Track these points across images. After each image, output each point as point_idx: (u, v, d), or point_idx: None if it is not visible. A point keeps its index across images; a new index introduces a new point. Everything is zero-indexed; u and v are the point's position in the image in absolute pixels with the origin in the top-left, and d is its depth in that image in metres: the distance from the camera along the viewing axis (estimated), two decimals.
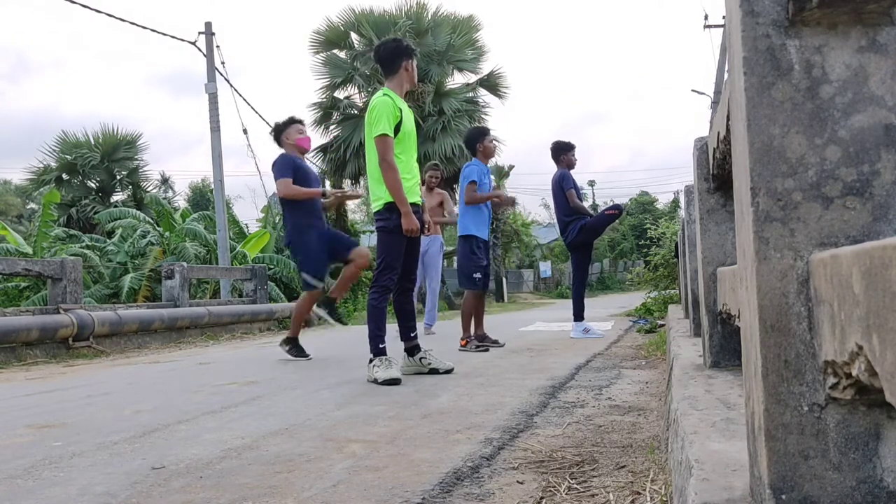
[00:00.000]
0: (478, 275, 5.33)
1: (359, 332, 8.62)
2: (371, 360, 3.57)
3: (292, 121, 5.17)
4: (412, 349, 3.86)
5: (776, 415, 0.77)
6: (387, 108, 3.62)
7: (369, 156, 3.73)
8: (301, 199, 4.85)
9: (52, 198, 11.61)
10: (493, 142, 5.58)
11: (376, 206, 3.74)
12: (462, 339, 5.31)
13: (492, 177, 5.64)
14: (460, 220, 5.44)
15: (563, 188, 6.00)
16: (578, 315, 6.11)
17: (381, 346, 3.59)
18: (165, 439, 2.27)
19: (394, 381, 3.41)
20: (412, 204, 3.72)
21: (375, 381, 3.44)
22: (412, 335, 3.88)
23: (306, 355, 5.01)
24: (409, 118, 3.78)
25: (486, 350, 5.16)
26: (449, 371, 3.81)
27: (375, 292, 3.71)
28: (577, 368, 3.91)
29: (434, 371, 3.79)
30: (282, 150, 5.09)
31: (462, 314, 5.43)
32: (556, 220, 6.35)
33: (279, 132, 5.12)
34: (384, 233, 3.71)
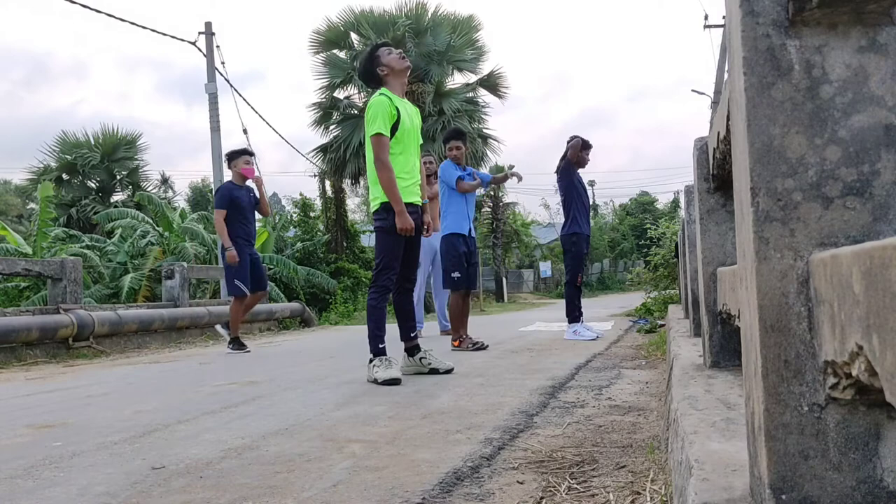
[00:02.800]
0: (456, 273, 5.31)
1: (358, 332, 8.62)
2: (371, 361, 3.57)
3: (244, 152, 6.35)
4: (412, 349, 3.86)
5: (776, 415, 0.77)
6: (382, 107, 3.62)
7: (368, 155, 3.74)
8: (237, 224, 6.07)
9: (47, 191, 11.58)
10: (457, 149, 5.59)
11: (374, 205, 3.74)
12: (454, 339, 5.29)
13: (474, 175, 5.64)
14: (442, 220, 5.48)
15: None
16: (572, 316, 6.12)
17: (380, 346, 3.59)
18: (165, 439, 2.27)
19: (394, 381, 3.41)
20: (411, 204, 3.71)
21: (375, 382, 3.44)
22: (412, 335, 3.88)
23: (245, 348, 6.11)
24: (409, 118, 3.76)
25: (485, 348, 5.13)
26: (449, 371, 3.81)
27: (374, 292, 3.71)
28: (577, 368, 3.91)
29: (434, 371, 3.79)
30: (229, 177, 6.35)
31: (450, 315, 5.41)
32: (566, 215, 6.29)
33: (230, 160, 6.30)
34: (382, 233, 3.70)
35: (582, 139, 6.11)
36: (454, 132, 5.91)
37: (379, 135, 3.59)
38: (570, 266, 6.13)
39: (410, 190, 3.74)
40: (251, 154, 6.37)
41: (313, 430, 2.34)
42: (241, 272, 6.03)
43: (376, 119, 3.60)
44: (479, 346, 5.17)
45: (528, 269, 35.21)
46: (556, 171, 6.09)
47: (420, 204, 3.84)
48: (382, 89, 3.74)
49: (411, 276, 3.89)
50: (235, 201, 6.08)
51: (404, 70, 3.80)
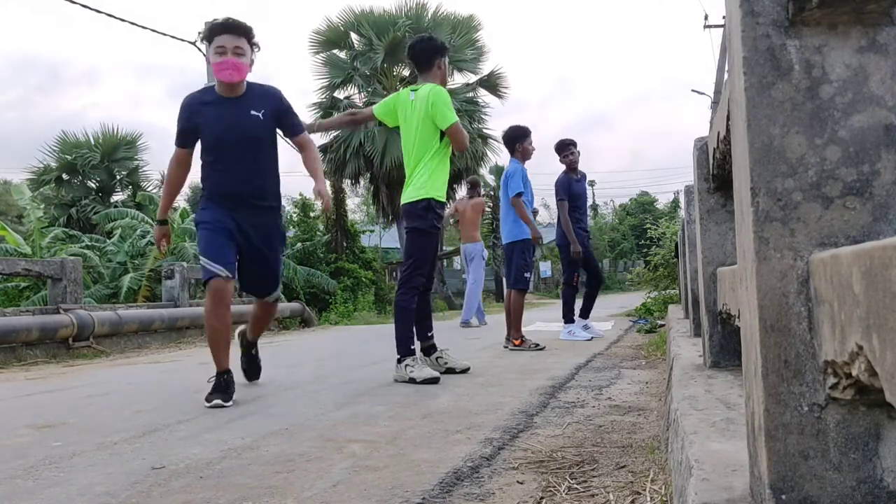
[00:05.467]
0: (528, 274, 5.40)
1: (358, 332, 8.61)
2: (400, 360, 3.56)
3: (222, 27, 3.12)
4: (428, 349, 3.87)
5: (776, 415, 0.77)
6: (448, 97, 3.69)
7: (414, 147, 3.70)
8: (211, 162, 3.22)
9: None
10: (532, 145, 5.51)
11: (413, 199, 3.65)
12: (516, 338, 5.23)
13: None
14: (511, 224, 5.37)
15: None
16: (568, 317, 6.13)
17: (411, 346, 3.60)
18: (165, 439, 2.27)
19: (433, 380, 3.41)
20: (444, 203, 3.75)
21: (412, 381, 3.42)
22: (429, 334, 3.89)
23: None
24: None
25: (543, 349, 5.09)
26: (465, 370, 3.80)
27: (404, 293, 3.69)
28: (577, 368, 3.91)
29: (451, 371, 3.78)
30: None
31: (512, 314, 5.30)
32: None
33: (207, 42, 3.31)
34: (417, 233, 3.68)
35: (561, 141, 6.14)
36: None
37: (459, 122, 3.64)
38: (566, 267, 6.15)
39: (444, 189, 3.77)
40: (237, 30, 3.10)
41: (313, 430, 2.34)
42: (205, 244, 3.15)
43: (451, 106, 3.65)
44: (541, 347, 5.14)
45: None
46: (556, 184, 6.10)
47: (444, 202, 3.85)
48: (431, 84, 3.77)
49: (431, 276, 3.90)
50: (200, 123, 3.18)
51: (444, 83, 3.89)
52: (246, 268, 3.31)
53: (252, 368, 3.69)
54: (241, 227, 3.20)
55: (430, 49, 3.82)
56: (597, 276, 6.36)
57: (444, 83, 3.87)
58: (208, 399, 2.98)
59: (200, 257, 3.16)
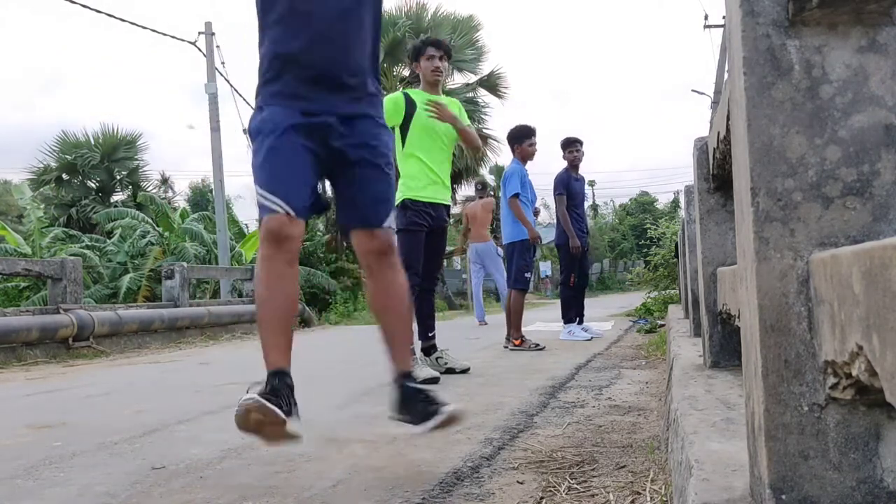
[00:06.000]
0: (528, 274, 5.41)
1: (358, 332, 8.61)
2: None
3: None
4: (429, 349, 3.87)
5: (776, 415, 0.77)
6: (386, 101, 3.74)
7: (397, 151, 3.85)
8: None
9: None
10: (534, 146, 5.44)
11: (396, 203, 3.80)
12: (516, 338, 5.22)
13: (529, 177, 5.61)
14: (511, 225, 5.39)
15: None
16: (567, 317, 6.13)
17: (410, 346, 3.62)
18: (165, 439, 2.27)
19: (433, 380, 3.43)
20: (435, 204, 3.77)
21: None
22: (430, 335, 3.89)
23: None
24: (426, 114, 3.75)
25: (543, 349, 5.08)
26: (465, 370, 3.81)
27: None
28: (577, 368, 3.91)
29: (451, 371, 3.79)
30: None
31: (511, 314, 5.31)
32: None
33: None
34: (399, 234, 3.75)
35: (567, 138, 6.12)
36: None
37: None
38: (564, 267, 6.15)
39: (428, 188, 3.76)
40: None
41: (313, 430, 2.34)
42: (264, 170, 2.00)
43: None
44: (541, 347, 5.13)
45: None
46: (555, 181, 6.09)
47: (441, 204, 3.85)
48: (407, 89, 3.89)
49: (433, 276, 3.90)
50: None
51: (430, 78, 3.89)
52: (338, 188, 2.14)
53: (414, 403, 2.01)
54: (324, 124, 1.99)
55: (410, 55, 4.01)
56: (584, 278, 6.35)
57: (430, 78, 3.87)
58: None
59: (256, 189, 1.97)
